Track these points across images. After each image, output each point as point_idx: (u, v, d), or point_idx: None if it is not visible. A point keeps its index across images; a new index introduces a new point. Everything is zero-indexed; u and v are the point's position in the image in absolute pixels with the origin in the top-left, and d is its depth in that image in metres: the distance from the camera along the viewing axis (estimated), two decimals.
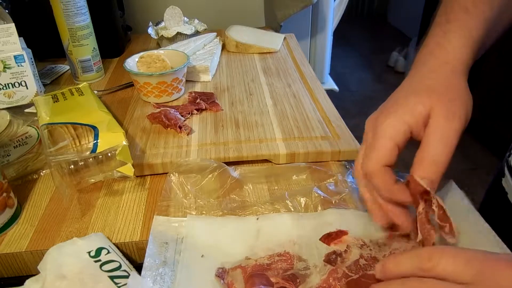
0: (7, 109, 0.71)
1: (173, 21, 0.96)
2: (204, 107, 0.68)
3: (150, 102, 0.73)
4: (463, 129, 0.38)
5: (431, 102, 0.38)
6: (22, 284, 0.40)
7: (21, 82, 0.72)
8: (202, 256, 0.43)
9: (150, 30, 0.97)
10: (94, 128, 0.53)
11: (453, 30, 0.42)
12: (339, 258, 0.41)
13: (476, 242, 0.41)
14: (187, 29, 0.95)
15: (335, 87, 1.64)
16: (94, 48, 0.84)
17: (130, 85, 0.81)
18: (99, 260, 0.42)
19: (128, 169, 0.51)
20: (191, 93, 0.71)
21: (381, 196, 0.40)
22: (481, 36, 0.42)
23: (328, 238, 0.44)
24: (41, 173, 0.57)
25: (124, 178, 0.52)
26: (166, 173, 0.55)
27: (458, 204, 0.46)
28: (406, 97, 0.41)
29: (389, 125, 0.39)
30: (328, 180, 0.54)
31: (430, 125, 0.38)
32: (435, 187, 0.37)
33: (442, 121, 0.37)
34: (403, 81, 0.44)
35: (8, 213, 0.47)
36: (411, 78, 0.43)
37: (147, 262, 0.41)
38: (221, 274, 0.41)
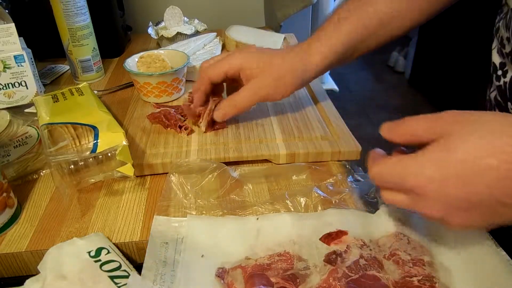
0: (7, 109, 0.71)
1: (173, 21, 0.96)
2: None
3: (150, 102, 0.73)
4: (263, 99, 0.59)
5: (263, 70, 0.57)
6: (22, 284, 0.40)
7: (21, 82, 0.72)
8: (202, 256, 0.43)
9: (150, 30, 0.97)
10: (94, 128, 0.53)
11: (321, 38, 0.58)
12: (339, 258, 0.41)
13: (471, 247, 0.41)
14: (187, 29, 0.95)
15: (335, 87, 1.64)
16: (94, 48, 0.84)
17: (130, 85, 0.81)
18: (99, 260, 0.42)
19: (128, 169, 0.51)
20: (191, 93, 0.71)
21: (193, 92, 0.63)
22: (343, 48, 0.58)
23: (328, 238, 0.44)
24: (41, 173, 0.57)
25: (124, 178, 0.53)
26: (166, 173, 0.55)
27: None
28: (262, 58, 0.58)
29: (233, 62, 0.58)
30: (328, 180, 0.54)
31: (248, 82, 0.58)
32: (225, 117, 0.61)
33: (251, 85, 0.58)
34: (284, 51, 0.60)
35: (8, 213, 0.47)
36: (285, 52, 0.59)
37: (147, 262, 0.41)
38: (221, 274, 0.41)
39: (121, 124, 0.62)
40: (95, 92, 0.69)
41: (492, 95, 0.56)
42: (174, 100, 0.75)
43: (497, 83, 0.54)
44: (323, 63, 0.58)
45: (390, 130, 0.38)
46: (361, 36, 0.57)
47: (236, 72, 0.57)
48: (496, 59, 0.54)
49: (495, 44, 0.55)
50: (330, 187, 0.52)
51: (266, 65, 0.57)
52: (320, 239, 0.44)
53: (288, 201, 0.50)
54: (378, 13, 0.57)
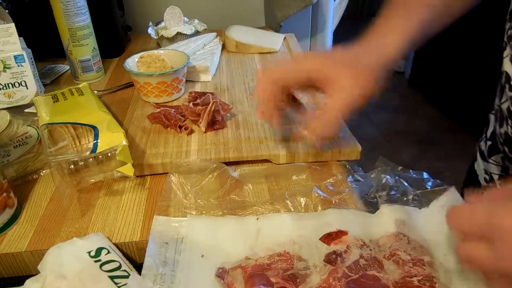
0: (7, 109, 0.71)
1: (173, 21, 0.96)
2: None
3: (150, 102, 0.73)
4: (357, 101, 0.47)
5: (343, 72, 0.48)
6: (22, 284, 0.40)
7: (21, 82, 0.72)
8: (202, 256, 0.43)
9: (150, 30, 0.97)
10: (94, 128, 0.53)
11: (390, 26, 0.52)
12: (339, 258, 0.41)
13: None
14: (187, 29, 0.95)
15: None
16: (94, 48, 0.84)
17: (130, 85, 0.81)
18: (99, 260, 0.42)
19: (128, 169, 0.51)
20: (191, 93, 0.71)
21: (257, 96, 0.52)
22: (416, 34, 0.51)
23: (328, 238, 0.44)
24: (41, 173, 0.57)
25: (124, 178, 0.53)
26: (166, 173, 0.55)
27: None
28: (336, 60, 0.51)
29: (303, 65, 0.50)
30: (328, 180, 0.54)
31: (330, 87, 0.48)
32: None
33: (342, 89, 0.47)
34: (346, 49, 0.53)
35: (8, 213, 0.47)
36: (352, 50, 0.52)
37: (147, 262, 0.41)
38: (221, 274, 0.41)
39: (121, 124, 0.62)
40: (95, 92, 0.69)
41: (504, 106, 0.54)
42: (174, 100, 0.75)
43: (510, 94, 0.52)
44: (402, 43, 0.50)
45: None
46: (427, 20, 0.51)
47: (320, 73, 0.49)
48: (508, 68, 0.53)
49: (507, 52, 0.53)
50: (330, 187, 0.52)
51: (351, 63, 0.49)
52: (320, 239, 0.44)
53: (288, 201, 0.50)
54: None
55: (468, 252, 0.34)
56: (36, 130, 0.63)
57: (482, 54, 2.07)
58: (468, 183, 0.71)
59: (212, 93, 0.70)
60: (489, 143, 0.64)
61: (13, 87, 0.72)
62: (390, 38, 0.50)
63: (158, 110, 0.66)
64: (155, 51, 0.78)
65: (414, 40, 0.50)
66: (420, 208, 0.48)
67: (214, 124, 0.63)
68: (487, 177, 0.65)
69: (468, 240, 0.34)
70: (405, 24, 0.51)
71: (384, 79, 0.50)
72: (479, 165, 0.67)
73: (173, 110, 0.66)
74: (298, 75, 0.50)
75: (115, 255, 0.43)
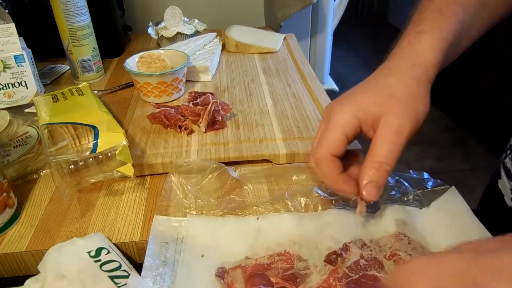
0: (7, 109, 0.71)
1: (173, 21, 0.96)
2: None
3: (150, 102, 0.73)
4: (410, 136, 0.39)
5: (386, 106, 0.39)
6: (22, 284, 0.40)
7: (21, 82, 0.72)
8: (202, 256, 0.43)
9: (150, 30, 0.97)
10: (94, 128, 0.53)
11: (425, 30, 0.42)
12: (339, 258, 0.41)
13: (469, 239, 0.41)
14: (187, 29, 0.95)
15: (335, 87, 1.64)
16: (94, 48, 0.83)
17: (130, 85, 0.81)
18: (99, 260, 0.42)
19: (128, 169, 0.51)
20: (191, 93, 0.71)
21: (327, 185, 0.43)
22: (453, 37, 0.42)
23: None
24: (41, 173, 0.57)
25: (124, 178, 0.53)
26: (166, 173, 0.55)
27: (458, 209, 0.46)
28: (366, 91, 0.42)
29: (342, 117, 0.40)
30: None
31: (379, 130, 0.39)
32: (381, 189, 0.39)
33: (391, 130, 0.39)
34: (376, 71, 0.44)
35: (8, 213, 0.47)
36: (379, 71, 0.44)
37: (147, 262, 0.41)
38: (221, 274, 0.41)
39: (121, 124, 0.62)
40: (95, 92, 0.69)
41: None
42: (174, 100, 0.75)
43: None
44: (437, 55, 0.42)
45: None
46: (464, 21, 0.44)
47: (356, 130, 0.41)
48: None
49: None
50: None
51: (385, 96, 0.40)
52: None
53: (288, 201, 0.50)
54: None
55: None
56: (36, 130, 0.63)
57: (482, 53, 2.07)
58: (488, 203, 0.63)
59: (212, 93, 0.70)
60: None
61: (13, 87, 0.72)
62: (425, 43, 0.42)
63: (158, 110, 0.66)
64: (155, 51, 0.78)
65: (451, 44, 0.43)
66: (420, 208, 0.48)
67: (214, 124, 0.63)
68: None
69: None
70: (440, 26, 0.43)
71: (429, 95, 0.41)
72: (505, 184, 0.58)
73: (173, 110, 0.66)
74: (342, 139, 0.40)
75: (115, 255, 0.43)
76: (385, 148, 0.38)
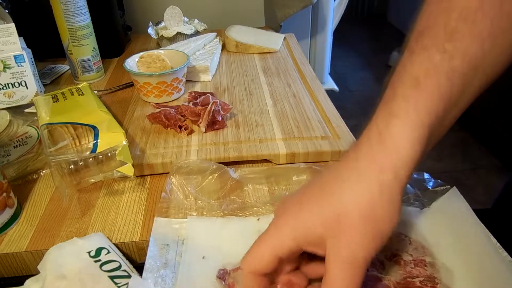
0: (7, 109, 0.70)
1: (173, 21, 0.96)
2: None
3: (150, 102, 0.73)
4: (370, 260, 0.32)
5: (334, 231, 0.32)
6: (22, 284, 0.40)
7: (21, 82, 0.72)
8: (203, 257, 0.43)
9: (150, 30, 0.97)
10: (94, 128, 0.53)
11: (397, 113, 0.32)
12: None
13: (473, 248, 0.41)
14: (187, 29, 0.95)
15: (335, 87, 1.64)
16: (94, 48, 0.83)
17: (130, 85, 0.81)
18: (99, 260, 0.41)
19: (128, 169, 0.50)
20: (191, 93, 0.71)
21: None
22: (436, 118, 0.33)
23: None
24: (41, 173, 0.57)
25: (124, 178, 0.52)
26: (166, 173, 0.55)
27: (459, 210, 0.46)
28: (313, 205, 0.33)
29: (280, 237, 0.33)
30: None
31: (329, 256, 0.32)
32: None
33: (341, 259, 0.31)
34: (338, 163, 0.35)
35: (8, 213, 0.47)
36: (339, 167, 0.34)
37: (148, 264, 0.41)
38: (222, 275, 0.40)
39: (121, 124, 0.62)
40: (95, 92, 0.69)
41: None
42: (174, 100, 0.75)
43: None
44: (414, 149, 0.32)
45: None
46: (451, 95, 0.33)
47: (295, 251, 0.34)
48: None
49: None
50: None
51: (333, 218, 0.32)
52: None
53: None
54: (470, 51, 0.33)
55: None
56: (36, 130, 0.63)
57: None
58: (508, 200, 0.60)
59: (212, 93, 0.70)
60: None
61: (13, 87, 0.72)
62: (398, 134, 0.32)
63: (158, 110, 0.66)
64: (155, 51, 0.78)
65: (433, 128, 0.33)
66: (421, 209, 0.48)
67: (214, 124, 0.63)
68: None
69: None
70: (416, 107, 0.32)
71: (400, 206, 0.32)
72: None
73: (173, 110, 0.66)
74: (271, 260, 0.34)
75: (115, 255, 0.42)
76: (339, 280, 0.31)
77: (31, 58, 0.73)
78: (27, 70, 0.71)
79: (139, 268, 0.41)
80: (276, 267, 0.34)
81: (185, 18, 0.99)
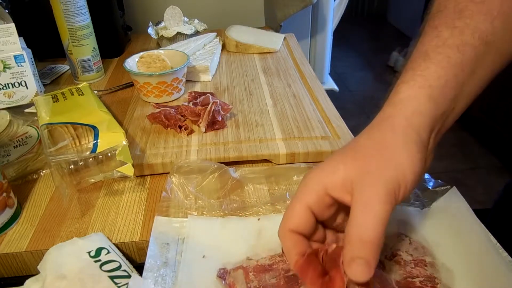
0: (7, 109, 0.70)
1: (173, 21, 0.96)
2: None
3: (150, 102, 0.73)
4: (399, 200, 0.32)
5: (354, 166, 0.33)
6: (22, 284, 0.40)
7: (21, 82, 0.72)
8: (203, 256, 0.43)
9: (150, 30, 0.97)
10: (94, 128, 0.53)
11: (405, 80, 0.36)
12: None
13: (473, 248, 0.41)
14: (187, 29, 0.95)
15: (335, 87, 1.64)
16: (94, 48, 0.83)
17: (130, 85, 0.81)
18: (99, 260, 0.41)
19: (128, 169, 0.50)
20: (191, 93, 0.71)
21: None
22: (447, 82, 0.34)
23: None
24: (41, 173, 0.57)
25: (124, 178, 0.52)
26: (166, 173, 0.55)
27: (459, 210, 0.46)
28: (338, 153, 0.36)
29: (308, 187, 0.35)
30: None
31: (353, 196, 0.32)
32: (372, 271, 0.30)
33: (365, 195, 0.32)
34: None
35: (8, 213, 0.47)
36: (353, 140, 0.37)
37: (148, 263, 0.41)
38: (223, 274, 0.40)
39: (121, 124, 0.62)
40: (95, 92, 0.69)
41: None
42: (174, 100, 0.75)
43: None
44: (421, 102, 0.35)
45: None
46: (463, 63, 0.35)
47: (322, 197, 0.34)
48: None
49: None
50: None
51: (352, 156, 0.34)
52: None
53: (289, 202, 0.50)
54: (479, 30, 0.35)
55: None
56: (36, 130, 0.63)
57: None
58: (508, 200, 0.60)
59: (212, 93, 0.70)
60: None
61: (13, 87, 0.72)
62: (403, 94, 0.35)
63: (158, 110, 0.66)
64: (155, 51, 0.78)
65: (448, 88, 0.35)
66: (421, 209, 0.48)
67: (214, 124, 0.63)
68: None
69: None
70: (423, 74, 0.35)
71: (434, 144, 0.36)
72: None
73: (173, 110, 0.66)
74: (305, 215, 0.35)
75: (115, 255, 0.42)
76: (363, 219, 0.31)
77: (31, 58, 0.73)
78: (27, 70, 0.71)
79: (139, 268, 0.41)
80: (311, 225, 0.35)
81: (185, 18, 0.99)
